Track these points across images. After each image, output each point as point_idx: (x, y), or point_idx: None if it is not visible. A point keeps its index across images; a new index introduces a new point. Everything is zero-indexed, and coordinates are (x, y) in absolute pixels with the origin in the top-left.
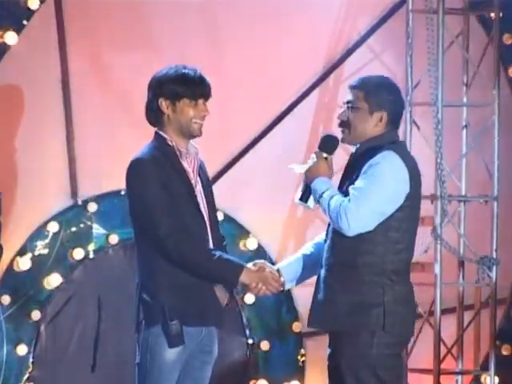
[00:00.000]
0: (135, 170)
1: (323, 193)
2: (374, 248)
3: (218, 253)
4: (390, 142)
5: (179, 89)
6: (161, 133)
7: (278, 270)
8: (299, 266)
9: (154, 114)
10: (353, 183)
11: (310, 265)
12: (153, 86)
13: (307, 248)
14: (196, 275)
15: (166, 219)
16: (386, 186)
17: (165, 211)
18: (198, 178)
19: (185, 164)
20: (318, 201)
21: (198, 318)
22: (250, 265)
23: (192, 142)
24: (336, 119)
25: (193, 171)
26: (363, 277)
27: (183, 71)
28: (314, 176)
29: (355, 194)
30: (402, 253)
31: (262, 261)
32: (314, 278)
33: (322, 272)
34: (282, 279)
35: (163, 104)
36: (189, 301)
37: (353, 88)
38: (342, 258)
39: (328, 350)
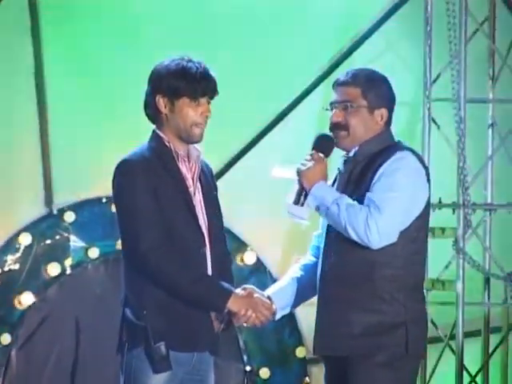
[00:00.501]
0: (120, 172)
1: (336, 201)
2: (392, 260)
3: (205, 275)
4: (391, 142)
5: (178, 85)
6: (158, 132)
7: (268, 297)
8: (291, 291)
9: (151, 111)
10: (366, 190)
11: (302, 289)
12: (151, 79)
13: (295, 271)
14: (178, 298)
15: (149, 231)
16: (411, 193)
17: (150, 222)
18: (199, 185)
19: (183, 169)
20: (326, 209)
21: (186, 342)
22: (238, 290)
23: (194, 145)
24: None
25: (192, 177)
26: (382, 293)
27: (184, 65)
28: (313, 180)
29: (380, 201)
30: (420, 265)
31: (251, 286)
32: (314, 298)
33: (328, 290)
34: (273, 307)
35: (161, 102)
36: (176, 323)
37: (344, 85)
38: (355, 272)
39: (325, 374)
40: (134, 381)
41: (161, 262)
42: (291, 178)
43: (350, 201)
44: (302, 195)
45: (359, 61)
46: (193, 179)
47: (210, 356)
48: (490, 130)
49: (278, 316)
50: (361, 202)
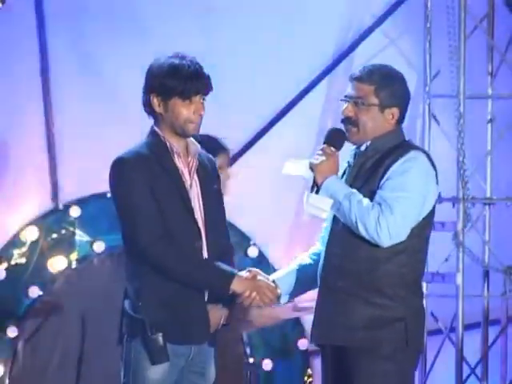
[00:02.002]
0: (116, 170)
1: (348, 196)
2: (396, 256)
3: (207, 261)
4: (402, 139)
5: (170, 85)
6: (155, 128)
7: (273, 282)
8: (296, 277)
9: (147, 109)
10: (375, 187)
11: (307, 277)
12: (146, 77)
13: (303, 259)
14: (184, 285)
15: (147, 226)
16: (422, 193)
17: (148, 217)
18: (197, 180)
19: (179, 164)
20: (338, 204)
21: (181, 334)
22: (242, 272)
23: (193, 140)
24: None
25: (189, 172)
26: (384, 288)
27: (176, 63)
28: (325, 174)
29: (391, 200)
30: (422, 262)
31: (256, 269)
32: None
33: (331, 281)
34: (278, 291)
35: (155, 101)
36: (173, 315)
37: (359, 81)
38: (359, 266)
39: (321, 364)
40: (132, 372)
41: (161, 255)
42: (302, 174)
43: (361, 197)
44: (314, 189)
45: (361, 56)
46: (190, 173)
47: (210, 348)
48: (489, 126)
49: (282, 300)
50: (370, 197)
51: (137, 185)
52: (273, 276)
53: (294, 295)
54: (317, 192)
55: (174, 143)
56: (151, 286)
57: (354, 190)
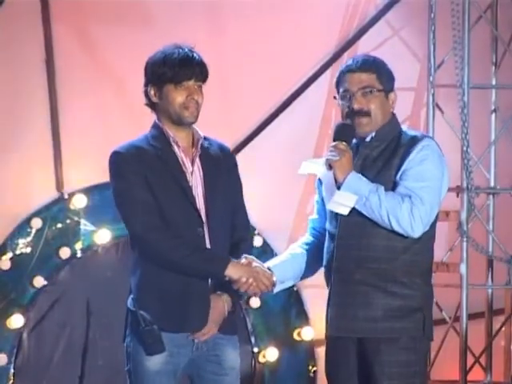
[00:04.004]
0: (110, 163)
1: (374, 190)
2: (412, 245)
3: (201, 247)
4: (399, 126)
5: (161, 72)
6: (156, 120)
7: (268, 269)
8: (291, 266)
9: (147, 102)
10: (393, 177)
11: (301, 266)
12: (144, 70)
13: (295, 249)
14: (180, 273)
15: (141, 216)
16: (440, 179)
17: (141, 207)
18: (200, 168)
19: (180, 153)
20: (364, 199)
21: (176, 322)
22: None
23: (197, 129)
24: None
25: (192, 162)
26: (403, 278)
27: (167, 52)
28: (345, 171)
29: (419, 190)
30: (432, 250)
31: (251, 256)
32: (321, 278)
33: (348, 273)
34: (273, 278)
35: (151, 92)
36: (168, 305)
37: (360, 71)
38: (376, 256)
39: (327, 353)
40: (132, 363)
41: (154, 243)
42: (317, 172)
43: (384, 191)
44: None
45: (364, 47)
46: (193, 162)
47: (226, 336)
48: (493, 116)
49: (276, 289)
50: (388, 187)
51: (129, 176)
52: (268, 263)
53: (286, 284)
54: (338, 189)
55: (175, 133)
56: (148, 276)
57: (378, 185)
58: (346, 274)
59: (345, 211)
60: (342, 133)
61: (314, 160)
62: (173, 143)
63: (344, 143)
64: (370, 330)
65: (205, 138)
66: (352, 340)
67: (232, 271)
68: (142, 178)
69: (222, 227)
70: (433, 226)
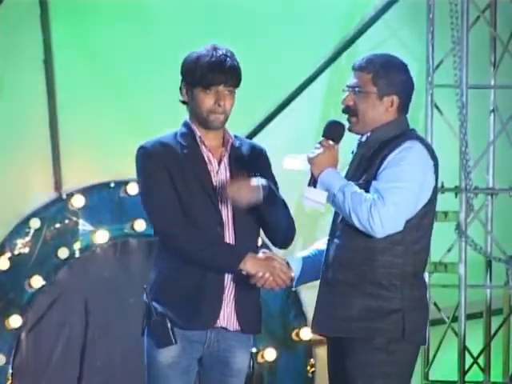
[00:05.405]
0: (136, 157)
1: (342, 188)
2: (392, 247)
3: (217, 242)
4: (405, 129)
5: (191, 72)
6: (187, 119)
7: (287, 263)
8: (311, 263)
9: (181, 99)
10: (372, 177)
11: (319, 266)
12: (181, 67)
13: (320, 246)
14: (198, 265)
15: (162, 210)
16: (417, 182)
17: (162, 201)
18: (228, 168)
19: (207, 153)
20: (332, 196)
21: (187, 319)
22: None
23: (228, 130)
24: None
25: (219, 162)
26: (381, 280)
27: (202, 53)
28: (321, 167)
29: (385, 191)
30: (421, 253)
31: (271, 251)
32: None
33: (330, 273)
34: (292, 274)
35: (183, 90)
36: (181, 302)
37: (358, 69)
38: (356, 257)
39: (327, 354)
40: (147, 357)
41: (173, 236)
42: (302, 168)
43: (356, 188)
44: (311, 182)
45: (363, 48)
46: (219, 162)
47: (238, 334)
48: (492, 116)
49: (295, 284)
50: (367, 187)
51: (152, 171)
52: (287, 259)
53: (305, 281)
54: (314, 185)
55: (203, 133)
56: (166, 271)
57: (350, 182)
58: (330, 274)
59: (321, 208)
60: (330, 130)
61: (297, 155)
62: (199, 142)
63: (330, 141)
64: (346, 329)
65: (236, 137)
66: (333, 339)
67: (249, 265)
68: (165, 174)
69: (248, 228)
70: (422, 229)
